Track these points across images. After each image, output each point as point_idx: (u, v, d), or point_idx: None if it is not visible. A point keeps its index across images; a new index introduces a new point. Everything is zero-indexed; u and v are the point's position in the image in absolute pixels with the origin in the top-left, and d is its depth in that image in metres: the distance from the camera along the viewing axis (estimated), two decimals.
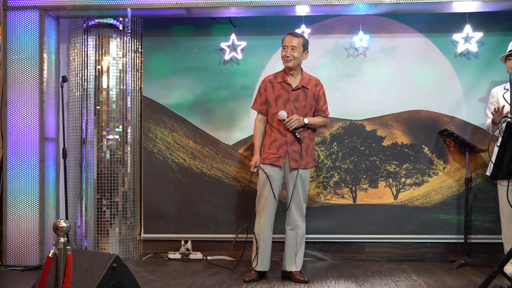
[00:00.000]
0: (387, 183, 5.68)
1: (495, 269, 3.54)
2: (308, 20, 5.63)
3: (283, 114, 4.64)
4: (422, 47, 5.67)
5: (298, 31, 5.54)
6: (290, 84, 4.75)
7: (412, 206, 5.64)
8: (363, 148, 5.70)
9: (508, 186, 3.78)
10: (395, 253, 5.66)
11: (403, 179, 5.67)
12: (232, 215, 5.69)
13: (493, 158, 4.17)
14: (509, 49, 4.91)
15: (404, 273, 5.05)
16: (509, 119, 3.58)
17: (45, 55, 5.47)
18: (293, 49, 4.68)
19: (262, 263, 4.76)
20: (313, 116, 4.83)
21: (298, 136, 4.68)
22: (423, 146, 5.66)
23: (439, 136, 5.64)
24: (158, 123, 5.82)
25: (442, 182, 5.64)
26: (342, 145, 5.71)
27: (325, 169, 5.71)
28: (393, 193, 5.68)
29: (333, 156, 5.72)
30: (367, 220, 5.65)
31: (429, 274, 5.00)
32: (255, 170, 4.76)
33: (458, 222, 5.57)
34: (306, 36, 5.50)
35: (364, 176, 5.70)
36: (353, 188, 5.70)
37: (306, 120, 4.71)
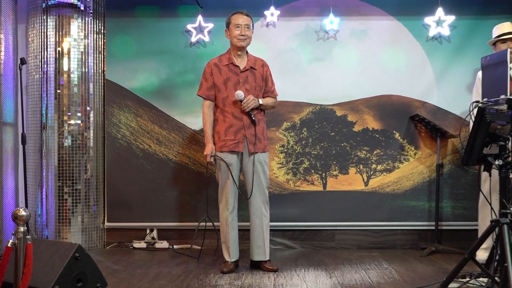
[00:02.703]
0: (358, 170, 5.72)
1: (466, 256, 3.59)
2: (277, 1, 5.63)
3: (240, 94, 4.57)
4: (394, 31, 5.70)
5: (267, 13, 5.61)
6: (238, 66, 4.71)
7: (382, 193, 5.70)
8: (333, 133, 5.73)
9: (479, 171, 3.83)
10: (366, 240, 5.71)
11: (374, 165, 5.72)
12: (199, 202, 5.69)
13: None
14: (495, 34, 4.93)
15: (375, 261, 5.10)
16: (480, 104, 3.61)
17: (2, 36, 5.40)
18: (247, 28, 4.68)
19: (234, 253, 4.76)
20: (263, 97, 4.81)
21: (253, 118, 4.63)
22: (394, 131, 5.71)
23: (410, 122, 5.68)
24: (122, 107, 5.78)
25: (413, 168, 5.70)
26: (312, 131, 5.73)
27: (295, 155, 5.73)
28: (363, 180, 5.72)
29: (303, 142, 5.73)
30: (338, 207, 5.70)
31: (400, 262, 5.06)
32: (212, 160, 4.70)
33: (429, 208, 5.64)
34: (275, 18, 5.60)
35: (335, 162, 5.73)
36: (323, 174, 5.72)
37: (260, 101, 4.69)
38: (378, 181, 5.72)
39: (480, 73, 4.96)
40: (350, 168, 5.73)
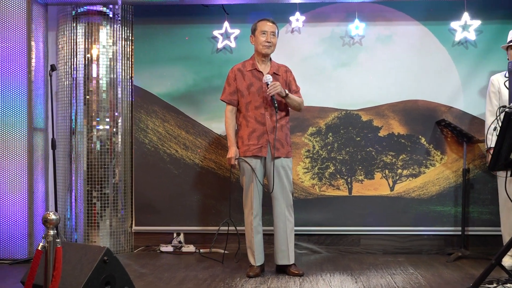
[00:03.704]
0: (383, 174, 5.69)
1: (493, 261, 3.55)
2: (302, 7, 5.63)
3: (269, 77, 4.56)
4: (419, 36, 5.66)
5: (292, 18, 5.62)
6: (261, 72, 4.71)
7: (408, 198, 5.65)
8: (359, 138, 5.71)
9: (506, 177, 3.78)
10: (391, 245, 5.67)
11: (399, 170, 5.67)
12: (225, 207, 5.65)
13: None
14: (509, 38, 4.88)
15: (401, 266, 5.07)
16: (507, 109, 3.57)
17: (33, 43, 5.46)
18: (273, 35, 4.69)
19: (259, 257, 4.75)
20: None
21: (276, 104, 4.58)
22: (420, 136, 5.66)
23: (436, 127, 5.63)
24: (149, 113, 5.83)
25: (439, 173, 5.64)
26: (337, 136, 5.71)
27: (320, 160, 5.72)
28: (389, 185, 5.69)
29: (329, 147, 5.72)
30: (363, 212, 5.67)
31: (426, 267, 5.01)
32: (236, 163, 4.71)
33: (456, 214, 5.58)
34: (301, 24, 5.60)
35: (360, 167, 5.70)
36: (349, 179, 5.70)
37: (287, 91, 4.65)
38: (403, 186, 5.67)
39: (493, 78, 4.98)
40: (375, 173, 5.70)
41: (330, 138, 5.72)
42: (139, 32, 5.85)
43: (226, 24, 5.69)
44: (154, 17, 5.81)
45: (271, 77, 4.58)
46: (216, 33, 5.73)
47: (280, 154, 4.68)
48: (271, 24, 4.70)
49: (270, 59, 4.82)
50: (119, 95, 5.71)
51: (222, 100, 4.81)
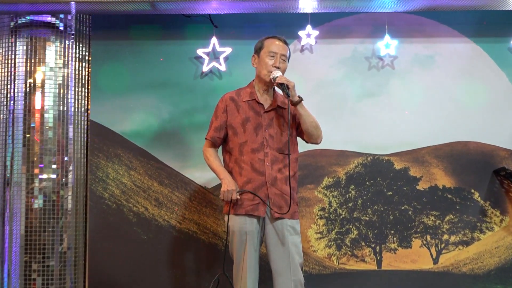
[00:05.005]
0: (424, 242, 5.26)
1: None
2: (315, 18, 5.28)
3: (278, 73, 4.12)
4: (470, 57, 5.38)
5: (302, 33, 5.33)
6: (261, 104, 4.25)
7: (458, 273, 5.21)
8: (390, 193, 5.29)
9: None
10: None
11: (445, 236, 5.26)
12: (211, 283, 4.98)
13: None
14: None
15: None
16: None
17: None
18: (283, 59, 4.23)
19: None
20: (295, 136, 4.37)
21: (287, 90, 4.07)
22: (473, 190, 5.28)
23: (494, 177, 5.28)
24: (111, 157, 5.39)
25: (499, 240, 5.24)
26: (362, 189, 5.29)
27: (339, 222, 5.28)
28: (432, 255, 5.24)
29: (350, 204, 5.28)
30: None
31: None
32: (239, 196, 4.11)
33: None
34: (313, 40, 5.32)
35: (392, 232, 5.28)
36: (378, 248, 5.27)
37: (302, 97, 4.16)
38: (451, 257, 5.24)
39: None
40: (413, 239, 5.26)
41: (352, 192, 5.32)
42: (98, 50, 5.48)
43: (214, 40, 5.34)
44: (118, 30, 5.46)
45: (280, 72, 4.13)
46: (200, 52, 5.36)
47: (284, 214, 4.11)
48: (282, 44, 4.22)
49: (274, 88, 4.32)
50: (70, 134, 5.30)
51: (207, 140, 4.33)
